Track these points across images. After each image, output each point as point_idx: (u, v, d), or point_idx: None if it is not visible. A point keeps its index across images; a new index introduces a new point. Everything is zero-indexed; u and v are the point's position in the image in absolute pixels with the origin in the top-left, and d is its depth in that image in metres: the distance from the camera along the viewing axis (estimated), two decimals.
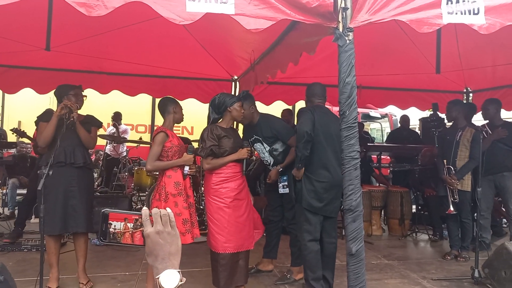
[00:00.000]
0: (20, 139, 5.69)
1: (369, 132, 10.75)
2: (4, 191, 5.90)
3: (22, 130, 4.98)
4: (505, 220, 5.86)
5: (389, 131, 9.74)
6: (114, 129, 6.97)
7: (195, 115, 6.61)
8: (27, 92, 5.40)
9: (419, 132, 7.50)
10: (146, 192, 5.68)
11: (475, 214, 4.52)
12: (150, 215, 0.94)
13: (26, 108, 7.41)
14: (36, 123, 3.26)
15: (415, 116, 8.11)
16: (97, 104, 5.92)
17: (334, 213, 3.28)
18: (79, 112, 3.23)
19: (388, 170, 7.32)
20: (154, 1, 2.11)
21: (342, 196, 2.66)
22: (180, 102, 3.45)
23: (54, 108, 3.31)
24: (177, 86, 5.69)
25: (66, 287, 3.31)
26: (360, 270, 2.36)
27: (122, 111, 7.24)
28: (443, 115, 5.21)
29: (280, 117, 5.30)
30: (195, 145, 3.61)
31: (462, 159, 4.28)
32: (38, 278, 2.84)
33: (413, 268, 4.09)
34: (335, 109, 8.26)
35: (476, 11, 2.38)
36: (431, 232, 5.42)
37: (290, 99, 6.16)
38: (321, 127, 3.08)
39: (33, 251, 4.24)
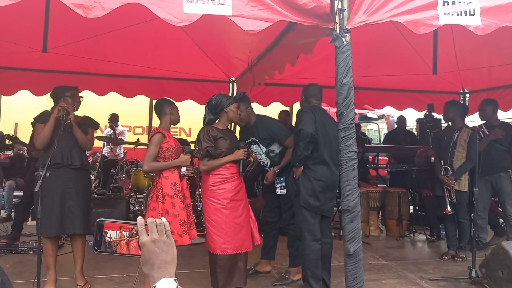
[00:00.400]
0: (16, 148, 5.67)
1: (366, 133, 10.78)
2: (1, 193, 5.87)
3: (14, 135, 4.94)
4: (502, 220, 5.90)
5: (386, 132, 9.77)
6: (111, 130, 6.95)
7: (192, 117, 6.60)
8: (24, 94, 5.39)
9: (416, 133, 7.53)
10: (144, 194, 5.67)
11: (472, 215, 4.53)
12: (145, 224, 0.94)
13: (22, 110, 7.39)
14: (33, 124, 3.25)
15: (412, 117, 8.13)
16: (94, 105, 5.91)
17: (329, 213, 3.32)
18: (76, 113, 3.23)
19: (386, 171, 7.34)
20: (152, 3, 2.11)
21: (340, 197, 2.67)
22: (177, 103, 3.46)
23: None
24: (174, 87, 5.69)
25: None
26: (358, 271, 2.37)
27: (119, 113, 7.23)
28: (439, 116, 5.23)
29: (277, 118, 5.32)
30: (193, 146, 3.61)
31: (459, 159, 4.30)
32: (36, 280, 2.83)
33: (410, 269, 4.10)
34: (332, 110, 8.29)
35: (472, 12, 2.39)
36: (428, 233, 5.43)
37: (287, 100, 6.17)
38: (321, 127, 3.10)
39: (30, 253, 4.22)
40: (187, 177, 3.13)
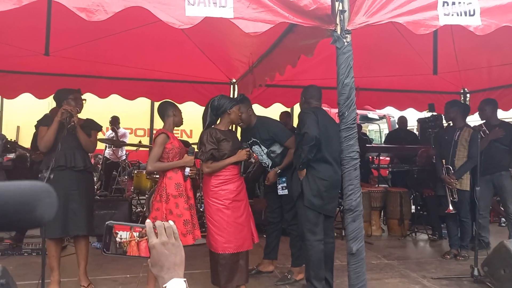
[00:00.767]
0: (18, 150, 5.68)
1: (368, 133, 10.79)
2: None
3: (13, 140, 4.95)
4: (503, 219, 5.92)
5: (387, 132, 9.79)
6: (113, 133, 6.98)
7: (194, 119, 6.61)
8: (25, 97, 5.42)
9: (417, 133, 7.54)
10: (146, 195, 5.69)
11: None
12: (154, 227, 0.96)
13: (24, 113, 7.41)
14: (36, 127, 3.28)
15: (413, 117, 8.15)
16: (95, 108, 5.92)
17: (333, 212, 3.34)
18: (79, 116, 3.25)
19: (387, 171, 7.35)
20: (154, 6, 2.13)
21: (342, 196, 2.69)
22: (179, 105, 3.48)
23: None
24: (176, 89, 5.71)
25: None
26: (361, 269, 2.38)
27: (120, 115, 7.25)
28: (440, 114, 5.25)
29: (278, 119, 5.34)
30: (195, 148, 3.63)
31: (460, 158, 4.31)
32: (40, 281, 2.85)
33: (413, 268, 4.11)
34: (333, 111, 8.31)
35: (472, 13, 2.41)
36: (430, 232, 5.44)
37: (288, 102, 6.19)
38: (323, 128, 3.11)
39: (33, 255, 4.24)
40: (190, 178, 3.16)
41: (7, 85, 5.13)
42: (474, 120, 5.67)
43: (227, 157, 3.11)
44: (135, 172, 6.10)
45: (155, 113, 8.67)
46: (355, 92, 2.38)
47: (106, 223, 0.98)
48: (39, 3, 2.12)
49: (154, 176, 5.62)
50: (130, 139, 7.85)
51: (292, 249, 3.73)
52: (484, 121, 4.62)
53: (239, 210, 3.15)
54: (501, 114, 4.98)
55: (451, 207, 4.29)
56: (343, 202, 2.51)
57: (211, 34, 3.79)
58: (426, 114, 6.32)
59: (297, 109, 5.55)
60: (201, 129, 3.28)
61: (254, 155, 3.83)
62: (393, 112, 9.50)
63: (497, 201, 5.69)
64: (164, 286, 0.92)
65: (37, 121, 3.29)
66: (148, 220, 0.99)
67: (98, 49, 4.37)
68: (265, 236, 4.01)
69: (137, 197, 6.25)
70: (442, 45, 4.19)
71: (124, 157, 6.99)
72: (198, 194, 5.47)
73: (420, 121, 6.61)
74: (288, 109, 6.51)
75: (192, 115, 6.11)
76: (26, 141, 4.99)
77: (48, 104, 6.67)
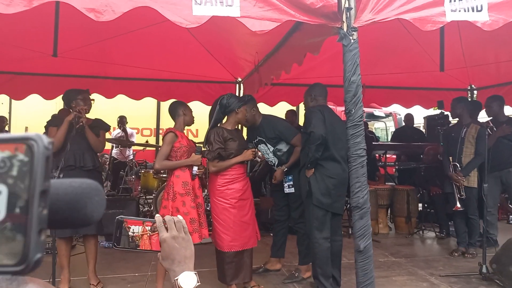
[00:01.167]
0: None
1: (374, 131, 10.75)
2: None
3: None
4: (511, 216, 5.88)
5: (394, 130, 9.74)
6: (121, 132, 7.03)
7: (200, 118, 6.64)
8: (33, 98, 5.47)
9: (423, 130, 7.50)
10: (153, 195, 5.72)
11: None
12: (164, 222, 0.98)
13: (32, 114, 7.48)
14: (46, 128, 3.32)
15: (420, 114, 8.11)
16: (102, 108, 5.97)
17: (341, 210, 3.34)
18: (87, 116, 3.28)
19: (394, 169, 7.32)
20: (161, 6, 2.15)
21: (348, 194, 2.69)
22: None
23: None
24: (182, 89, 5.73)
25: None
26: (369, 267, 2.39)
27: (127, 115, 7.30)
28: (447, 113, 5.22)
29: (284, 118, 5.35)
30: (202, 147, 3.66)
31: (467, 155, 4.29)
32: (51, 280, 2.89)
33: (420, 265, 4.10)
34: (339, 109, 8.30)
35: (479, 8, 2.40)
36: (437, 230, 5.42)
37: (294, 100, 6.19)
38: (330, 126, 3.11)
39: (43, 255, 4.27)
40: (198, 176, 3.19)
41: (15, 86, 5.18)
42: (482, 117, 5.64)
43: (234, 156, 3.13)
44: (142, 171, 6.14)
45: (161, 113, 8.77)
46: (361, 89, 2.39)
47: (117, 217, 1.00)
48: (47, 5, 2.15)
49: (161, 175, 5.66)
50: (137, 139, 7.90)
51: (299, 247, 3.74)
52: (491, 118, 4.59)
53: (244, 209, 3.18)
54: (509, 111, 4.95)
55: (458, 205, 4.27)
56: (350, 199, 2.51)
57: (217, 33, 3.81)
58: (433, 111, 6.29)
59: (302, 107, 5.56)
60: (207, 128, 3.31)
61: (261, 154, 3.84)
62: (399, 110, 9.46)
63: (506, 198, 5.65)
64: (175, 278, 0.94)
65: (47, 122, 3.33)
66: (157, 215, 1.01)
67: (104, 50, 4.41)
68: (272, 234, 4.02)
69: (144, 197, 6.28)
70: (449, 41, 4.17)
71: (131, 157, 7.04)
72: (204, 193, 5.49)
73: (428, 118, 6.56)
74: (294, 108, 6.50)
75: (198, 115, 6.10)
76: None
77: (55, 104, 6.73)
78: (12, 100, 7.57)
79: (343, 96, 2.42)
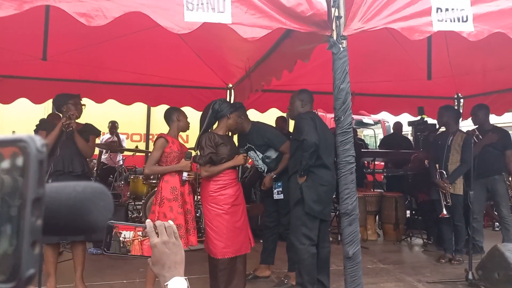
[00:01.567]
0: None
1: (363, 138, 10.84)
2: None
3: None
4: (497, 223, 5.97)
5: (382, 137, 9.84)
6: (112, 137, 6.97)
7: (190, 124, 6.67)
8: (21, 102, 5.40)
9: (411, 138, 7.59)
10: (142, 201, 5.68)
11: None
12: (155, 227, 0.98)
13: (19, 118, 7.38)
14: (35, 132, 3.28)
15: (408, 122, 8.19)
16: (91, 113, 5.92)
17: (329, 217, 3.37)
18: (78, 121, 3.26)
19: (382, 176, 7.39)
20: (153, 11, 2.16)
21: (338, 201, 2.71)
22: None
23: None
24: (172, 94, 5.72)
25: None
26: (357, 273, 2.40)
27: (117, 120, 7.25)
28: (433, 120, 5.30)
29: (274, 124, 5.37)
30: (192, 152, 3.65)
31: (453, 163, 4.36)
32: (36, 287, 2.84)
33: (408, 272, 4.14)
34: (329, 116, 8.32)
35: (465, 19, 2.46)
36: (425, 236, 5.47)
37: (284, 107, 6.13)
38: (321, 133, 3.13)
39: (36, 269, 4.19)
40: (188, 182, 3.18)
41: (3, 90, 5.11)
42: (468, 125, 5.74)
43: (225, 161, 3.13)
44: (132, 177, 6.09)
45: (151, 118, 8.72)
46: (351, 97, 2.42)
47: (107, 222, 1.00)
48: (37, 8, 2.14)
49: (151, 181, 5.63)
50: (127, 144, 7.84)
51: (288, 254, 3.73)
52: (477, 126, 4.68)
53: (237, 215, 3.18)
54: (494, 119, 5.05)
55: (444, 212, 4.33)
56: (339, 206, 2.53)
57: (208, 39, 3.83)
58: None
59: None
60: (197, 134, 3.31)
61: (250, 160, 3.85)
62: (388, 117, 9.57)
63: (491, 205, 5.74)
64: (165, 284, 0.94)
65: (36, 126, 3.30)
66: (148, 220, 1.01)
67: (95, 54, 4.38)
68: (261, 241, 4.02)
69: (133, 203, 6.23)
70: (436, 50, 4.25)
71: (121, 162, 6.98)
72: (195, 198, 5.47)
73: (411, 123, 6.64)
74: (284, 114, 6.52)
75: (189, 120, 6.13)
76: None
77: (44, 109, 6.66)
78: (0, 104, 7.46)
79: (333, 103, 2.45)
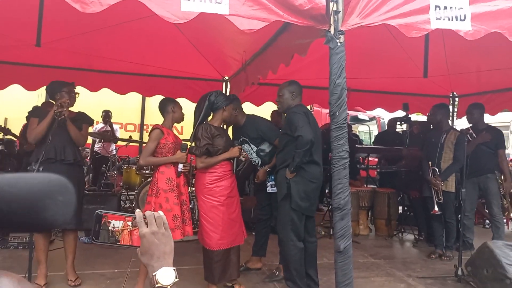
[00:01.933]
0: (6, 137, 5.60)
1: (358, 134, 10.87)
2: None
3: (6, 127, 4.91)
4: (488, 221, 6.04)
5: (377, 133, 9.88)
6: (105, 126, 6.93)
7: (185, 115, 6.64)
8: (14, 89, 5.34)
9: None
10: (135, 191, 5.67)
11: (459, 215, 4.63)
12: (144, 217, 0.97)
13: (12, 105, 7.30)
14: (28, 118, 3.25)
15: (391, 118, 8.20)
16: (86, 102, 5.87)
17: (314, 212, 3.30)
18: (71, 109, 3.23)
19: (376, 172, 7.43)
20: (149, 0, 2.13)
21: (330, 196, 2.70)
22: None
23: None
24: (167, 85, 5.68)
25: (54, 284, 3.29)
26: (348, 267, 2.42)
27: (111, 110, 7.20)
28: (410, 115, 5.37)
29: (269, 118, 5.36)
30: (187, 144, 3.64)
31: (446, 161, 4.39)
32: (27, 275, 2.83)
33: (398, 267, 4.18)
34: (325, 111, 8.31)
35: (463, 18, 2.46)
36: (416, 233, 5.52)
37: None
38: (314, 129, 3.11)
39: (19, 249, 4.19)
40: (183, 173, 3.18)
41: None
42: (463, 124, 5.77)
43: (221, 153, 3.13)
44: (125, 167, 6.07)
45: (146, 108, 8.67)
46: (346, 92, 2.42)
47: (96, 211, 0.99)
48: None
49: (144, 171, 5.61)
50: (120, 134, 7.80)
51: (280, 247, 3.75)
52: (471, 125, 4.71)
53: (232, 206, 3.20)
54: (488, 119, 5.09)
55: (436, 208, 4.37)
56: (332, 200, 2.53)
57: (205, 31, 3.80)
58: (416, 116, 6.38)
59: None
60: (192, 126, 3.29)
61: (245, 153, 3.85)
62: (383, 114, 9.59)
63: (482, 203, 5.80)
64: (153, 274, 0.94)
65: (28, 113, 3.27)
66: (137, 210, 1.00)
67: (90, 42, 4.33)
68: (254, 233, 4.04)
69: (126, 193, 6.21)
70: (433, 48, 4.25)
71: (114, 152, 6.95)
72: (189, 190, 5.47)
73: (395, 121, 6.66)
74: None
75: (184, 112, 6.11)
76: (14, 133, 4.94)
77: (37, 96, 6.59)
78: None
79: (328, 98, 2.44)
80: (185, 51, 4.67)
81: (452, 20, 2.45)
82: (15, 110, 6.79)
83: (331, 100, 2.40)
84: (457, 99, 6.55)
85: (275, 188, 3.56)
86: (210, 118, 3.33)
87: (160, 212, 1.00)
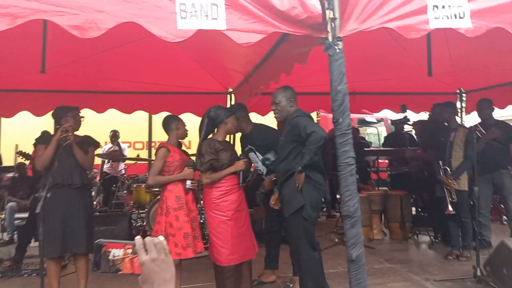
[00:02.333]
0: (18, 161, 5.69)
1: (366, 137, 10.80)
2: (2, 215, 5.85)
3: (27, 152, 5.00)
4: (505, 217, 5.91)
5: (386, 135, 9.79)
6: (113, 146, 6.98)
7: (192, 130, 6.65)
8: (23, 115, 5.43)
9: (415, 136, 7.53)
10: (146, 209, 5.67)
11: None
12: (144, 244, 0.96)
13: (22, 131, 7.41)
14: (35, 145, 3.29)
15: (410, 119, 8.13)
16: (93, 123, 5.94)
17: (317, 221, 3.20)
18: (77, 133, 3.26)
19: (386, 174, 7.34)
20: (146, 21, 2.15)
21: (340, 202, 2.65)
22: None
23: (50, 129, 3.33)
24: (173, 101, 5.73)
25: None
26: (362, 276, 2.37)
27: (118, 129, 7.27)
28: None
29: (276, 127, 5.35)
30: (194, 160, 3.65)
31: (457, 159, 4.32)
32: None
33: (415, 271, 4.09)
34: (331, 117, 8.19)
35: (462, 15, 2.43)
36: (432, 234, 5.42)
37: None
38: None
39: (33, 276, 4.20)
40: (192, 190, 3.18)
41: (4, 103, 5.15)
42: (471, 120, 5.70)
43: (226, 167, 3.12)
44: (134, 186, 6.08)
45: (153, 126, 8.73)
46: (349, 97, 2.40)
47: (95, 241, 0.99)
48: (34, 22, 2.14)
49: (153, 189, 5.61)
50: (129, 152, 7.85)
51: (292, 258, 3.70)
52: (480, 121, 4.65)
53: (241, 220, 3.16)
54: (497, 112, 5.01)
55: (450, 208, 4.29)
56: (341, 208, 2.49)
57: (206, 46, 3.82)
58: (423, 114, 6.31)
59: None
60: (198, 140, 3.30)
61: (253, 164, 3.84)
62: (391, 115, 9.51)
63: (497, 199, 5.69)
64: None
65: (35, 139, 3.30)
66: (137, 237, 0.99)
67: (94, 65, 4.40)
68: (265, 245, 3.99)
69: (137, 211, 6.22)
70: (436, 46, 4.22)
71: (123, 171, 6.99)
72: (198, 205, 5.46)
73: (393, 123, 6.60)
74: None
75: (190, 126, 6.11)
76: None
77: (45, 121, 6.67)
78: (2, 118, 7.51)
79: None
80: (188, 67, 4.71)
81: (451, 18, 2.43)
82: (25, 136, 6.88)
83: (333, 107, 2.39)
84: (464, 95, 6.48)
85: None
86: (215, 132, 3.33)
87: (161, 237, 0.99)
